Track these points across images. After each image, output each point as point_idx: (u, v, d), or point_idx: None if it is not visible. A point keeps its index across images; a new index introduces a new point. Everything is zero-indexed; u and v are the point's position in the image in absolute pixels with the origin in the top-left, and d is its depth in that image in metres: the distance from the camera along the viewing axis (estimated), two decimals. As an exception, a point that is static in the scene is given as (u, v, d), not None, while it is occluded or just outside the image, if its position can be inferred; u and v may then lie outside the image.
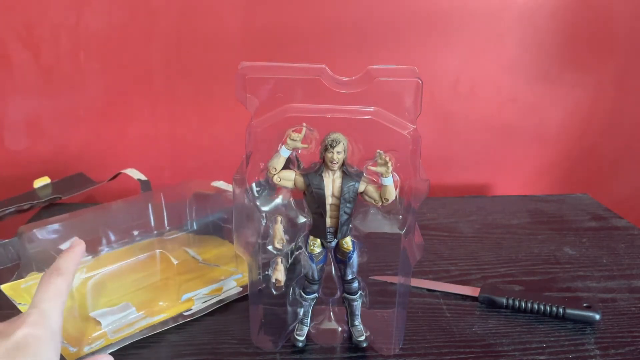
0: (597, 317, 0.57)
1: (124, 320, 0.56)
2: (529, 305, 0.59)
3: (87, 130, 0.92)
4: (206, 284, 0.62)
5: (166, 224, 0.72)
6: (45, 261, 0.60)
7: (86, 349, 0.52)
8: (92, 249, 0.64)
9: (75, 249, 0.49)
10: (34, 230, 0.62)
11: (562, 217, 0.86)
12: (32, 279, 0.61)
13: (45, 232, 0.63)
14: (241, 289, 0.62)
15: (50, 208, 0.81)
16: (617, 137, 1.03)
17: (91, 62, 0.88)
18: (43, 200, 0.78)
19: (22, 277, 0.62)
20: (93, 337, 0.54)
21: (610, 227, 0.82)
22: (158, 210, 0.72)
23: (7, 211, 0.74)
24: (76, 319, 0.56)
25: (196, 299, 0.60)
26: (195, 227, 0.73)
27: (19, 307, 0.58)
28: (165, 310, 0.58)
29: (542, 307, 0.59)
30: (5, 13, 0.84)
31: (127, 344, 0.53)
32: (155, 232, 0.71)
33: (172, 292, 0.60)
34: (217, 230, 0.73)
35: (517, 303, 0.59)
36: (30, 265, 0.62)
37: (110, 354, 0.50)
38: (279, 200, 0.51)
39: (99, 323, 0.55)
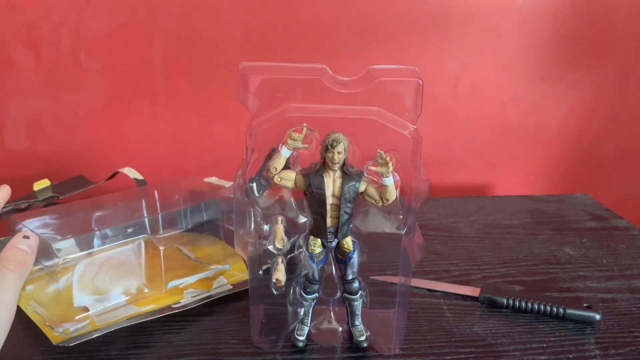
0: (598, 317, 0.57)
1: (110, 305, 0.57)
2: (530, 305, 0.59)
3: (87, 130, 0.92)
4: (194, 275, 0.63)
5: (160, 222, 0.73)
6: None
7: (71, 330, 0.53)
8: (86, 245, 0.64)
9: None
10: (23, 223, 0.62)
11: (562, 217, 0.86)
12: None
13: (35, 225, 0.63)
14: (231, 286, 0.63)
15: (45, 207, 0.81)
16: (617, 137, 1.03)
17: (91, 62, 0.88)
18: (41, 199, 0.78)
19: None
20: (78, 318, 0.55)
21: (610, 228, 0.82)
22: (152, 207, 0.72)
23: (5, 210, 0.74)
24: (61, 303, 0.57)
25: (185, 293, 0.61)
26: (189, 225, 0.74)
27: None
28: (152, 300, 0.59)
29: (542, 307, 0.59)
30: (5, 13, 0.84)
31: (113, 329, 0.54)
32: (149, 229, 0.71)
33: (158, 279, 0.61)
34: (211, 228, 0.73)
35: (517, 303, 0.59)
36: None
37: (98, 339, 0.51)
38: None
39: (85, 309, 0.56)
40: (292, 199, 0.51)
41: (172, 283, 0.61)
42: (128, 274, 0.61)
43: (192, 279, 0.63)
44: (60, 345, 0.51)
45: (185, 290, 0.61)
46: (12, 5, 0.83)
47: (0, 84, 0.87)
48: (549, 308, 0.58)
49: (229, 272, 0.65)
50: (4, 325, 0.39)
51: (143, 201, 0.72)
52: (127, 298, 0.59)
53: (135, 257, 0.63)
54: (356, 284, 0.52)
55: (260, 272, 0.53)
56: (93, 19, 0.85)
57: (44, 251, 0.59)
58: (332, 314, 0.56)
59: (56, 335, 0.52)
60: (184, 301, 0.59)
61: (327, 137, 0.47)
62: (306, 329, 0.53)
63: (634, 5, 0.93)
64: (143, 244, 0.63)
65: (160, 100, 0.92)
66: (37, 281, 0.61)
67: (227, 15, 0.87)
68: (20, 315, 0.56)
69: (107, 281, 0.60)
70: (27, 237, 0.44)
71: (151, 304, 0.58)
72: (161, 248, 0.62)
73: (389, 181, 0.47)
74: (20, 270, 0.41)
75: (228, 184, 0.74)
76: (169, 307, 0.58)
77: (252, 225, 0.51)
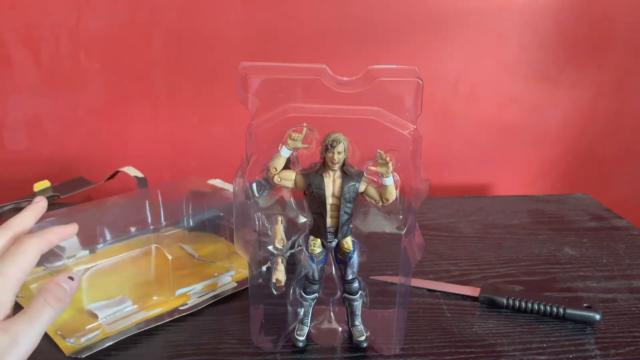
0: (598, 317, 0.57)
1: (120, 313, 0.57)
2: (530, 305, 0.59)
3: (87, 130, 0.92)
4: (201, 279, 0.63)
5: (163, 221, 0.73)
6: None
7: (83, 340, 0.53)
8: (89, 244, 0.64)
9: (36, 205, 0.49)
10: None
11: (562, 217, 0.86)
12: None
13: (39, 224, 0.63)
14: (236, 284, 0.63)
15: (49, 208, 0.81)
16: (617, 137, 1.03)
17: (91, 62, 0.88)
18: None
19: None
20: (89, 328, 0.54)
21: (610, 227, 0.82)
22: (155, 207, 0.72)
23: (5, 208, 0.74)
24: (72, 311, 0.56)
25: (191, 294, 0.61)
26: (191, 224, 0.74)
27: (17, 299, 0.58)
28: (160, 304, 0.59)
29: (542, 307, 0.59)
30: (5, 13, 0.84)
31: (123, 337, 0.53)
32: (152, 228, 0.72)
33: (167, 287, 0.61)
34: (213, 227, 0.73)
35: (517, 303, 0.59)
36: None
37: (109, 347, 0.52)
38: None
39: (95, 316, 0.56)
40: (292, 199, 0.51)
41: (180, 291, 0.61)
42: (136, 282, 0.61)
43: (199, 286, 0.62)
44: (73, 357, 0.51)
45: (191, 291, 0.61)
46: (12, 5, 0.83)
47: (0, 84, 0.87)
48: (549, 308, 0.58)
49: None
50: (23, 356, 0.40)
51: (146, 201, 0.72)
52: (137, 306, 0.59)
53: (143, 264, 0.63)
54: (356, 284, 0.52)
55: (264, 268, 0.53)
56: (93, 19, 0.85)
57: (51, 252, 0.59)
58: (332, 314, 0.56)
59: (68, 345, 0.52)
60: (190, 302, 0.59)
61: (327, 137, 0.47)
62: (306, 329, 0.53)
63: (634, 5, 0.93)
64: (154, 250, 0.63)
65: (160, 100, 0.92)
66: (42, 281, 0.61)
67: (227, 15, 0.87)
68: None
69: (115, 287, 0.59)
70: (72, 279, 0.44)
71: (159, 307, 0.58)
72: (169, 257, 0.61)
73: (389, 181, 0.47)
74: (58, 307, 0.42)
75: (232, 187, 0.74)
76: (176, 310, 0.58)
77: (253, 224, 0.51)
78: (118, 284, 0.60)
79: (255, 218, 0.51)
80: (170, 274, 0.61)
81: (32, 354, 0.43)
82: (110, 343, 0.52)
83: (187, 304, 0.59)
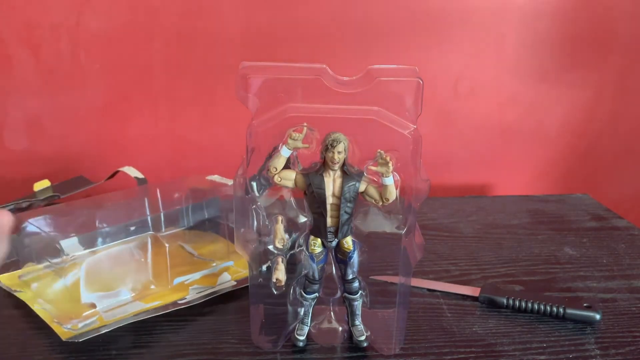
0: (598, 317, 0.57)
1: (117, 301, 0.58)
2: (530, 305, 0.59)
3: (87, 130, 0.92)
4: (199, 272, 0.64)
5: (162, 220, 0.73)
6: (40, 251, 0.61)
7: (80, 326, 0.53)
8: (88, 244, 0.65)
9: None
10: (29, 221, 0.63)
11: (562, 217, 0.86)
12: (28, 270, 0.62)
13: (40, 222, 0.63)
14: (235, 282, 0.63)
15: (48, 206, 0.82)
16: (617, 137, 1.03)
17: (91, 62, 0.88)
18: (42, 199, 0.78)
19: (19, 268, 0.63)
20: (86, 314, 0.55)
21: (610, 227, 0.82)
22: (154, 206, 0.73)
23: (6, 209, 0.74)
24: (69, 300, 0.57)
25: (191, 289, 0.61)
26: (191, 223, 0.74)
27: (17, 294, 0.59)
28: (158, 297, 0.59)
29: (542, 307, 0.59)
30: (5, 13, 0.84)
31: (121, 325, 0.54)
32: (151, 227, 0.72)
33: (164, 276, 0.61)
34: (212, 226, 0.73)
35: (517, 303, 0.59)
36: (28, 256, 0.63)
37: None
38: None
39: (93, 306, 0.57)
40: (292, 199, 0.51)
41: (178, 279, 0.62)
42: (134, 271, 0.61)
43: (197, 275, 0.63)
44: (70, 341, 0.51)
45: (190, 286, 0.62)
46: (12, 5, 0.83)
47: (1, 84, 0.87)
48: (549, 308, 0.58)
49: (232, 269, 0.66)
50: None
51: (145, 199, 0.72)
52: (134, 294, 0.59)
53: (141, 254, 0.63)
54: (356, 284, 0.52)
55: (264, 267, 0.54)
56: (93, 19, 0.85)
57: (51, 248, 0.60)
58: (332, 313, 0.56)
59: (65, 331, 0.53)
60: (189, 297, 0.59)
61: (327, 137, 0.47)
62: (306, 329, 0.53)
63: (634, 5, 0.93)
64: (150, 240, 0.63)
65: (160, 100, 0.92)
66: (43, 279, 0.61)
67: (227, 15, 0.87)
68: (28, 313, 0.57)
69: (113, 277, 0.60)
70: None
71: (157, 300, 0.59)
72: (166, 245, 0.62)
73: (389, 181, 0.47)
74: None
75: (230, 182, 0.74)
76: (174, 303, 0.58)
77: (254, 224, 0.51)
78: (116, 275, 0.60)
79: (256, 216, 0.51)
80: (167, 262, 0.62)
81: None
82: (107, 330, 0.53)
83: (185, 298, 0.59)
